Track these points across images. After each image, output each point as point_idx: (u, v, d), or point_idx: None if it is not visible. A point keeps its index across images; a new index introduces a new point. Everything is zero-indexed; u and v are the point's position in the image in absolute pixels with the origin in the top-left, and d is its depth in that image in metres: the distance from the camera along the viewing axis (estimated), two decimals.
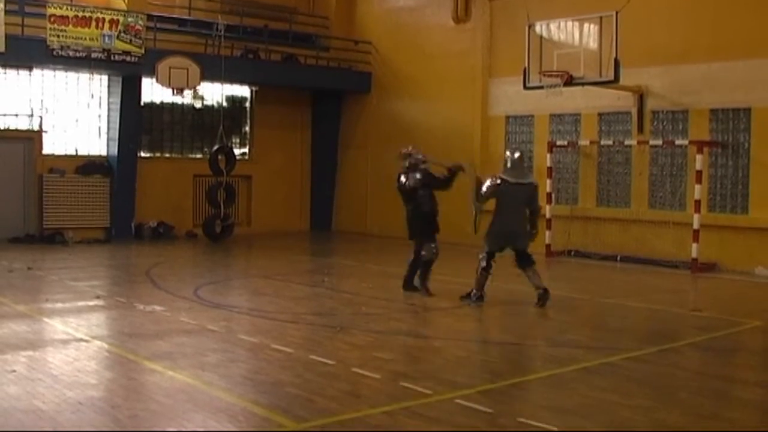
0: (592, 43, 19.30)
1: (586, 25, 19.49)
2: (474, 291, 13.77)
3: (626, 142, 20.74)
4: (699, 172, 18.71)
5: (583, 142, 21.64)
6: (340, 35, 27.71)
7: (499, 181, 13.53)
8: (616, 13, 18.28)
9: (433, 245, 14.69)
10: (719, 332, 11.99)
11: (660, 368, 10.04)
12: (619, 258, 19.54)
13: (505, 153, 14.61)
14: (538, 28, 20.15)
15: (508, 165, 13.72)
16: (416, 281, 14.83)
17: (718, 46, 19.31)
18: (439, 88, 25.08)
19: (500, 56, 23.45)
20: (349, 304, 13.86)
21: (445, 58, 24.74)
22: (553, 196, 21.51)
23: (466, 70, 24.21)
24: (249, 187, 27.06)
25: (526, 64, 20.08)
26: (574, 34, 19.78)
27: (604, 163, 21.54)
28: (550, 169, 21.53)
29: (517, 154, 13.87)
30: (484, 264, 13.63)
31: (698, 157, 18.79)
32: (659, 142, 20.04)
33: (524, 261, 13.66)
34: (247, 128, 27.42)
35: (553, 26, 20.18)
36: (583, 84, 19.42)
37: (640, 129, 20.62)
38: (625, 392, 8.82)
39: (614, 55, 18.38)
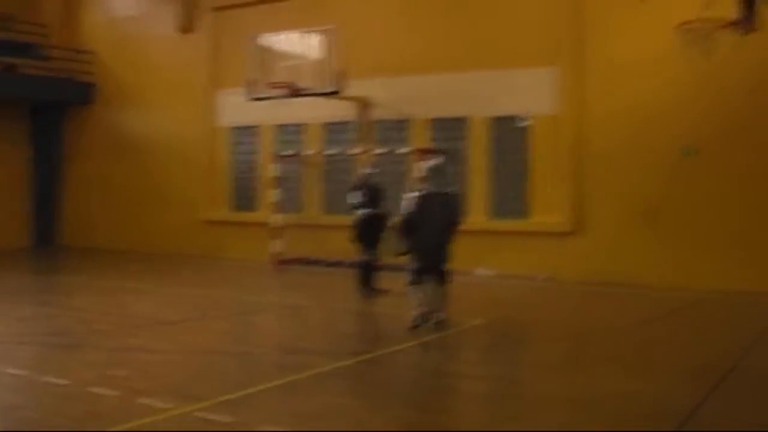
0: (316, 55, 19.71)
1: (309, 38, 19.88)
2: (414, 314, 12.50)
3: (350, 152, 21.29)
4: (421, 179, 19.43)
5: (309, 151, 22.02)
6: (62, 44, 26.89)
7: (419, 193, 12.57)
8: (336, 26, 18.81)
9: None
10: (443, 332, 12.53)
11: (391, 369, 10.48)
12: (347, 264, 19.91)
13: (422, 163, 13.53)
14: (263, 40, 20.36)
15: (425, 174, 12.79)
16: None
17: (436, 59, 20.27)
18: (166, 99, 24.88)
19: (226, 67, 23.47)
20: (81, 322, 13.52)
21: (171, 68, 24.59)
22: (280, 205, 21.75)
23: (192, 80, 24.15)
24: None
25: (251, 76, 20.25)
26: (298, 46, 20.12)
27: (330, 172, 22.04)
28: (276, 178, 21.77)
29: (435, 161, 13.07)
30: (411, 280, 12.58)
31: (419, 164, 19.55)
32: (382, 150, 20.68)
33: (440, 278, 12.59)
34: None
35: (277, 38, 20.44)
36: (307, 95, 19.81)
37: (364, 138, 21.23)
38: (359, 394, 9.15)
39: (336, 67, 18.89)
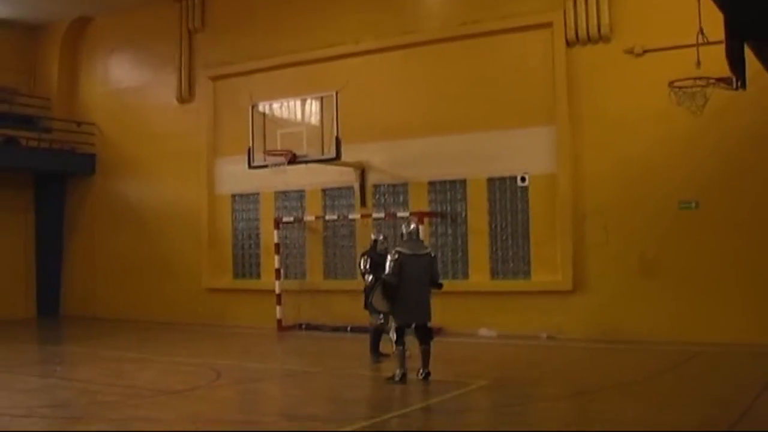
0: (315, 122, 19.91)
1: (307, 105, 20.10)
2: (397, 372, 13.29)
3: (350, 216, 21.41)
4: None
5: (309, 217, 22.14)
6: (63, 117, 27.12)
7: (396, 255, 13.34)
8: (336, 92, 19.02)
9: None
10: (448, 394, 12.54)
11: None
12: (349, 328, 19.97)
13: (401, 227, 14.40)
14: (261, 108, 20.56)
15: (404, 238, 13.72)
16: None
17: (432, 122, 20.44)
18: (165, 168, 25.05)
19: (225, 135, 23.68)
20: (83, 393, 13.46)
21: (171, 138, 24.76)
22: (282, 271, 21.82)
23: (192, 149, 24.28)
24: None
25: (251, 144, 20.43)
26: (296, 113, 20.34)
27: (330, 237, 22.13)
28: (277, 245, 21.85)
29: (412, 226, 14.02)
30: (395, 339, 13.37)
31: (419, 227, 19.65)
32: (381, 214, 20.77)
33: (425, 336, 13.49)
34: None
35: (276, 105, 20.66)
36: (306, 162, 19.96)
37: (363, 203, 21.37)
38: None
39: (336, 134, 19.08)
